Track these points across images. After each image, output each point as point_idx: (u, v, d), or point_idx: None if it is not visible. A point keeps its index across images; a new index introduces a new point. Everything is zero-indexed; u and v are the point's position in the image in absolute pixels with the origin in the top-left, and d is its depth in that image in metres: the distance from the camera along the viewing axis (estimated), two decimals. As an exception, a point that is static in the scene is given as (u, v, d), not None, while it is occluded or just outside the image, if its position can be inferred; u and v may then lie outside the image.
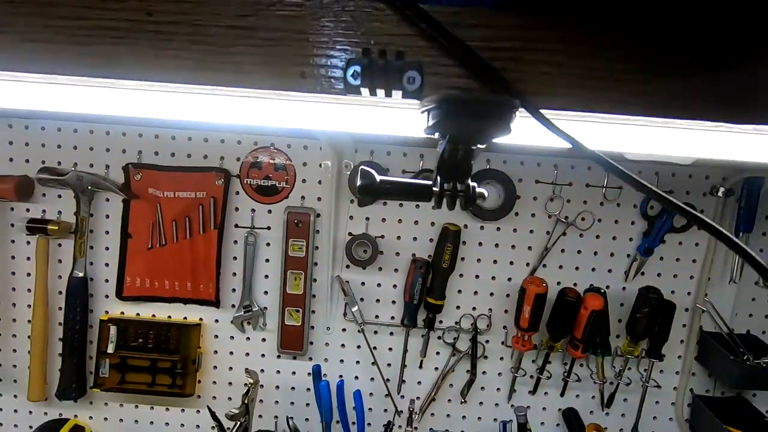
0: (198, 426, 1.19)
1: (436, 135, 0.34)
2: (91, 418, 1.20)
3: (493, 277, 1.14)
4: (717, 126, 0.40)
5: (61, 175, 1.07)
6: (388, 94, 0.31)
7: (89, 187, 1.08)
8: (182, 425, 1.20)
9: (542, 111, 0.30)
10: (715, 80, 0.33)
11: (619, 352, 1.13)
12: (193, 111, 0.42)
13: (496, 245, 1.13)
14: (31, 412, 1.19)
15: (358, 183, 0.36)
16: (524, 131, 0.35)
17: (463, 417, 1.19)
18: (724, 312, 1.13)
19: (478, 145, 0.35)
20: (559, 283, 1.13)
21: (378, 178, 0.37)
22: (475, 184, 0.37)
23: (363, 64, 0.29)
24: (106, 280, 1.14)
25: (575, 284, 1.13)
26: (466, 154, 0.35)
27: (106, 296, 1.15)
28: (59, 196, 1.11)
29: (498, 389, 1.18)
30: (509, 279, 1.14)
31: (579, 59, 0.30)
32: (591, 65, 0.31)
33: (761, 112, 0.33)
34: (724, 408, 1.14)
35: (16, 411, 1.19)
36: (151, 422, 1.20)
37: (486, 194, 0.38)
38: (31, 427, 1.17)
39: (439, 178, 0.36)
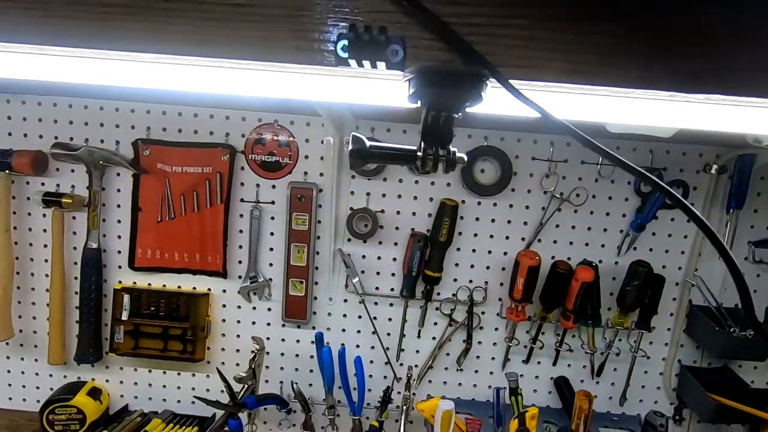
0: (208, 390, 1.26)
1: (419, 103, 0.38)
2: (107, 381, 1.27)
3: (490, 251, 1.18)
4: (687, 97, 0.43)
5: (73, 151, 1.11)
6: (374, 66, 0.34)
7: (101, 162, 1.12)
8: (193, 389, 1.27)
9: (514, 82, 0.33)
10: (678, 50, 0.36)
11: (609, 324, 1.18)
12: (197, 83, 0.46)
13: (493, 220, 1.17)
14: (51, 375, 1.27)
15: (350, 147, 0.40)
16: (501, 102, 0.38)
17: (459, 384, 1.25)
18: (713, 286, 1.17)
19: (455, 113, 0.39)
20: (553, 257, 1.17)
21: (368, 143, 0.41)
22: (455, 149, 0.41)
23: (350, 38, 0.33)
24: (119, 252, 1.20)
25: (569, 258, 1.17)
26: (447, 122, 0.38)
27: (119, 267, 1.20)
28: (72, 171, 1.16)
29: (493, 358, 1.23)
30: (505, 253, 1.18)
31: (549, 32, 0.33)
32: (560, 38, 0.34)
33: (720, 83, 0.36)
34: (710, 378, 1.19)
35: (37, 374, 1.27)
36: (164, 386, 1.27)
37: (465, 159, 0.42)
38: (51, 388, 1.25)
39: (422, 144, 0.40)
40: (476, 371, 1.24)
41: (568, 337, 1.20)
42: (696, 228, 1.16)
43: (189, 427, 1.20)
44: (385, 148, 0.41)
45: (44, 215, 1.17)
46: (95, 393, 1.22)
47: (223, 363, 1.25)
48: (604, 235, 1.17)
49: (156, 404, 1.28)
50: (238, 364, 1.25)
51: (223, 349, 1.25)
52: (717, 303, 1.15)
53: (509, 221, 1.17)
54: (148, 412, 1.26)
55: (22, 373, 1.27)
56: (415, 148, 0.40)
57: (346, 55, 0.33)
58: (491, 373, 1.24)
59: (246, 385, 1.13)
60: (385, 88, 0.44)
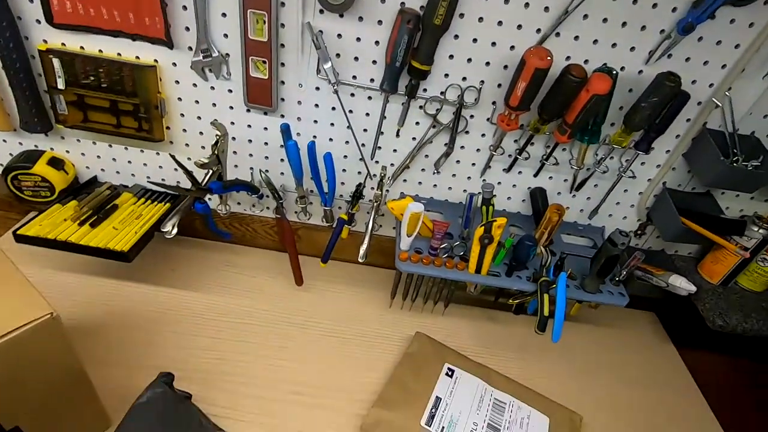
0: (176, 170, 1.22)
1: None
2: (68, 152, 1.21)
3: (494, 43, 0.96)
4: None
5: None
6: None
7: None
8: (160, 167, 1.22)
9: None
10: None
11: (607, 141, 1.07)
12: None
13: (506, 1, 0.91)
14: (5, 141, 1.19)
15: None
16: None
17: (434, 185, 1.22)
18: (739, 109, 1.02)
19: None
20: (568, 57, 0.97)
21: None
22: None
23: None
24: (31, 1, 0.95)
25: (586, 61, 0.97)
26: None
27: (38, 21, 0.98)
28: None
29: (473, 164, 1.17)
30: (512, 47, 0.96)
31: None
32: None
33: None
34: (687, 201, 1.16)
35: (-10, 139, 1.19)
36: (129, 161, 1.22)
37: None
38: (11, 154, 1.20)
39: None
40: (454, 175, 1.19)
41: (558, 150, 1.11)
42: (755, 36, 0.93)
43: (161, 204, 1.21)
44: None
45: None
46: (56, 163, 1.18)
47: (187, 145, 1.17)
48: (640, 35, 0.94)
49: (124, 179, 1.25)
50: (203, 147, 1.17)
51: (184, 131, 1.15)
52: (734, 128, 1.02)
53: (527, 4, 0.91)
54: (118, 185, 1.25)
55: (-27, 136, 1.19)
56: None
57: None
58: (469, 178, 1.19)
59: (211, 171, 1.08)
60: None
